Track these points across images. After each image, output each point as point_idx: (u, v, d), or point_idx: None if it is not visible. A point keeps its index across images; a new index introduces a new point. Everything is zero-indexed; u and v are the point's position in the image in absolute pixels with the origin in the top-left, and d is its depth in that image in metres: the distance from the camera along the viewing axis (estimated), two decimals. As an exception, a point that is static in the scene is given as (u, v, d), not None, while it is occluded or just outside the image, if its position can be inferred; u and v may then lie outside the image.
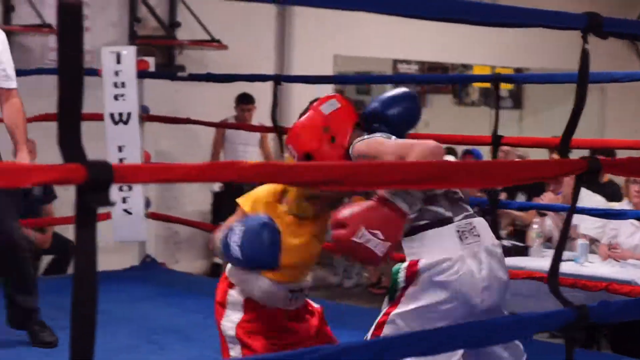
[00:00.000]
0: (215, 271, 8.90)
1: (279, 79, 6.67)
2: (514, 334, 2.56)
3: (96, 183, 1.67)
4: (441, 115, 11.93)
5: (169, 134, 8.77)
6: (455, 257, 2.87)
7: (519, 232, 7.75)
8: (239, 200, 3.32)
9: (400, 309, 2.91)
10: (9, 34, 8.11)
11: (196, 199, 9.29)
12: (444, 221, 2.93)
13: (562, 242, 2.60)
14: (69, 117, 1.71)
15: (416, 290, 2.89)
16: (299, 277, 3.44)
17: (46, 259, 8.08)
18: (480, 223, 2.98)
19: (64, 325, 5.50)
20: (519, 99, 13.54)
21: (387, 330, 2.90)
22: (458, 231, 2.93)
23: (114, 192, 6.86)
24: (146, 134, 7.93)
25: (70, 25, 1.69)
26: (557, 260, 2.56)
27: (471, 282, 2.88)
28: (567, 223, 2.62)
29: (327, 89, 9.77)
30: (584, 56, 2.56)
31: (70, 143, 1.70)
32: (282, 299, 3.42)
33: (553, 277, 2.53)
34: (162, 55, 9.02)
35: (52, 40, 8.46)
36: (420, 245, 2.91)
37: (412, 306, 2.90)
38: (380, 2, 2.28)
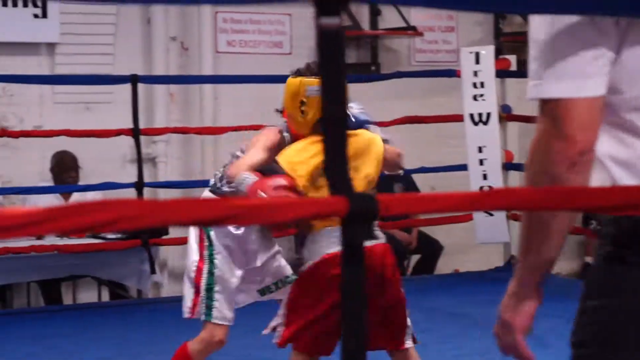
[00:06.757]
0: (586, 271, 8.57)
1: None
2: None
3: (359, 216, 1.61)
4: None
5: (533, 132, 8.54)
6: None
7: None
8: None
9: None
10: (376, 37, 8.35)
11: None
12: None
13: None
14: (334, 145, 1.66)
15: None
16: None
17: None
18: None
19: (424, 328, 5.54)
20: None
21: None
22: None
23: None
24: (510, 133, 7.81)
25: (330, 52, 1.64)
26: None
27: None
28: None
29: None
30: None
31: (335, 174, 1.65)
32: None
33: None
34: (527, 51, 8.84)
35: (417, 42, 8.58)
36: None
37: None
38: None
